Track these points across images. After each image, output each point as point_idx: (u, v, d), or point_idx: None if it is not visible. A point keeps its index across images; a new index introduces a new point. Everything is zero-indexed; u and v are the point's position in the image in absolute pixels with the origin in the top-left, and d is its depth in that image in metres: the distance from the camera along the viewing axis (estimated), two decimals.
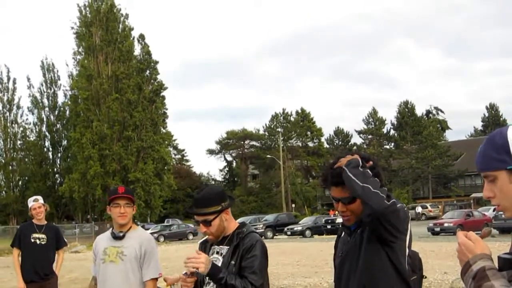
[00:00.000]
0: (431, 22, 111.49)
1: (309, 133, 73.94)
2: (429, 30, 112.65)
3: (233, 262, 2.86)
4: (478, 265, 1.57)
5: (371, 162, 2.48)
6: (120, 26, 54.80)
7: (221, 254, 2.97)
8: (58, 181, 60.46)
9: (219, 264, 2.91)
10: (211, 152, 79.43)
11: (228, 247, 2.96)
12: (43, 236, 6.47)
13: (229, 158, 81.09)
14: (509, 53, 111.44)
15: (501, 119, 74.89)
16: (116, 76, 52.43)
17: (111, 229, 4.03)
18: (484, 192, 1.67)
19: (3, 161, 59.13)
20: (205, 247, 3.11)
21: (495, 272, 1.54)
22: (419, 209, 48.05)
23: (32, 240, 6.44)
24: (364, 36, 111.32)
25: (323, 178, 2.63)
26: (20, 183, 60.37)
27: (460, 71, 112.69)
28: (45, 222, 6.60)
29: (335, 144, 75.38)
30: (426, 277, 3.04)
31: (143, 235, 4.04)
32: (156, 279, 3.96)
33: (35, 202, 6.50)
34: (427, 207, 49.80)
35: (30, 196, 6.99)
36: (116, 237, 3.90)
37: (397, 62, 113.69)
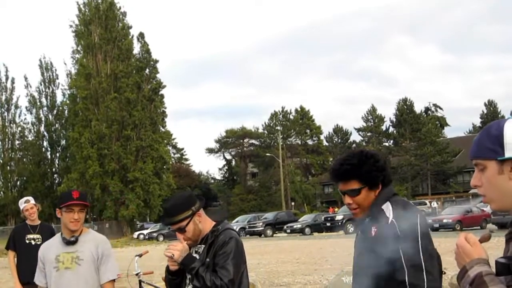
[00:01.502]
0: (428, 19, 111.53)
1: (308, 131, 73.99)
2: (426, 26, 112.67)
3: (208, 260, 2.90)
4: (475, 270, 1.55)
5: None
6: (119, 24, 54.65)
7: (198, 253, 3.01)
8: (56, 181, 60.32)
9: None
10: (210, 151, 79.45)
11: (204, 245, 2.98)
12: (38, 236, 6.40)
13: (228, 156, 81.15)
14: (508, 49, 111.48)
15: (500, 115, 74.90)
16: (115, 74, 52.24)
17: (59, 234, 3.84)
18: (472, 180, 1.67)
19: (1, 161, 58.92)
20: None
21: (493, 278, 1.52)
22: (435, 204, 48.58)
23: (27, 241, 6.38)
24: (361, 33, 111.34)
25: (331, 173, 2.72)
26: (18, 183, 60.21)
27: (459, 67, 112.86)
28: (39, 222, 6.54)
29: (334, 142, 75.44)
30: (445, 273, 3.04)
31: (98, 237, 3.91)
32: (114, 280, 3.84)
33: (27, 203, 6.42)
34: (426, 204, 50.05)
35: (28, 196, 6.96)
36: (69, 242, 3.73)
37: (395, 59, 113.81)
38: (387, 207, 2.55)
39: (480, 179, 1.65)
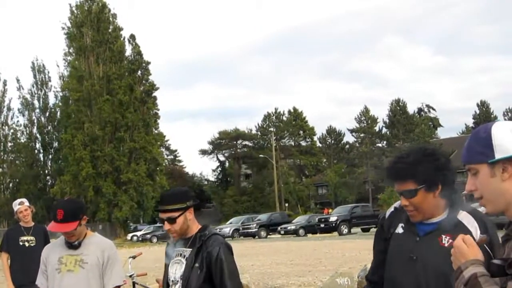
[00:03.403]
0: (420, 20, 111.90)
1: (301, 132, 74.05)
2: (418, 28, 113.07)
3: (197, 265, 2.93)
4: (470, 271, 1.58)
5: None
6: (111, 26, 54.56)
7: (185, 256, 3.03)
8: (49, 183, 60.11)
9: (183, 267, 2.98)
10: (203, 152, 79.32)
11: (191, 249, 3.02)
12: (32, 238, 6.38)
13: (221, 158, 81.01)
14: (499, 50, 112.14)
15: (492, 116, 75.20)
16: (108, 76, 52.16)
17: (63, 237, 3.73)
18: (467, 185, 1.70)
19: None
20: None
21: (488, 279, 1.54)
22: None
23: (21, 244, 6.35)
24: (354, 34, 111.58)
25: (386, 173, 2.52)
26: (11, 185, 59.98)
27: (451, 68, 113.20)
28: (32, 224, 6.52)
29: (328, 143, 75.54)
30: None
31: (104, 241, 3.83)
32: (119, 286, 3.77)
33: (21, 205, 6.40)
34: None
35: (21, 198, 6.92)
36: (72, 246, 3.65)
37: (388, 60, 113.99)
38: (468, 219, 2.35)
39: (474, 184, 1.67)
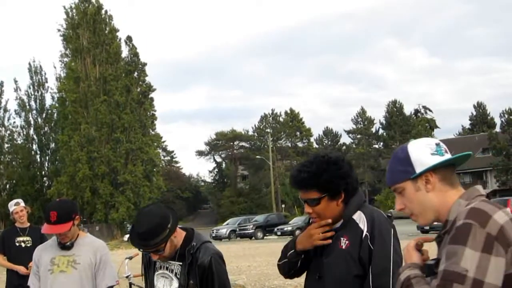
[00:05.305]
0: (416, 22, 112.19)
1: (298, 133, 74.10)
2: (414, 29, 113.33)
3: (192, 282, 2.74)
4: (405, 274, 1.71)
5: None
6: (107, 28, 54.51)
7: (173, 271, 2.82)
8: (46, 184, 59.94)
9: (174, 284, 2.78)
10: (200, 153, 79.37)
11: (180, 263, 2.79)
12: (28, 238, 6.41)
13: (218, 159, 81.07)
14: (495, 51, 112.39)
15: (489, 117, 75.27)
16: (104, 78, 52.12)
17: (55, 237, 3.72)
18: (396, 205, 1.83)
19: None
20: (148, 257, 2.95)
21: (419, 280, 1.66)
22: None
23: (17, 244, 6.38)
24: (350, 35, 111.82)
25: (290, 181, 2.57)
26: (7, 186, 59.80)
27: (447, 70, 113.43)
28: (28, 224, 6.55)
29: (324, 144, 75.60)
30: None
31: (96, 242, 3.81)
32: (112, 287, 3.76)
33: (17, 206, 6.43)
34: None
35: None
36: (64, 247, 3.64)
37: (385, 61, 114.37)
38: (360, 218, 2.41)
39: (402, 202, 1.79)
